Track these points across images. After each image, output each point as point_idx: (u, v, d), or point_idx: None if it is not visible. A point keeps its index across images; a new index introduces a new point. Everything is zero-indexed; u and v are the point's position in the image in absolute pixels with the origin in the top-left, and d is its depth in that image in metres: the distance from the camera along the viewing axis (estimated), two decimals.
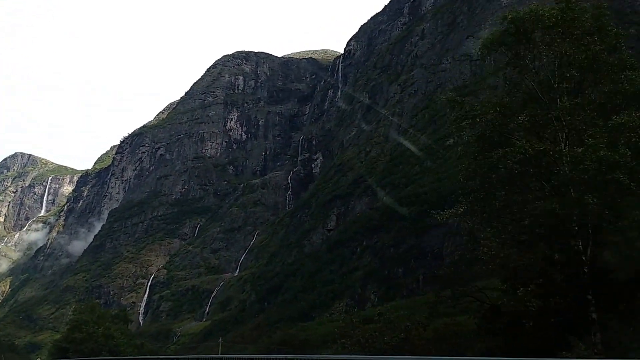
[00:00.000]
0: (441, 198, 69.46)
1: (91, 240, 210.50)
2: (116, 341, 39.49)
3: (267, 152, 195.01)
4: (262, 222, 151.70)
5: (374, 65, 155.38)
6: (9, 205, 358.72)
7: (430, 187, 76.46)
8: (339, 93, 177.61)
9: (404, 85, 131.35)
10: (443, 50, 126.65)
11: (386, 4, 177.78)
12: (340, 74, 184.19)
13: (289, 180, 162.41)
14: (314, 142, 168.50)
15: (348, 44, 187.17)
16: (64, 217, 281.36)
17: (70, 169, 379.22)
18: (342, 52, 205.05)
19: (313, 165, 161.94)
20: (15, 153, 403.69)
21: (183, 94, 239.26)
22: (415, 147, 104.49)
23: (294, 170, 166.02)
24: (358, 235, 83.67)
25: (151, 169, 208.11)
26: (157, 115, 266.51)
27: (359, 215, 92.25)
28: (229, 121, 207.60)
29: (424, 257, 63.54)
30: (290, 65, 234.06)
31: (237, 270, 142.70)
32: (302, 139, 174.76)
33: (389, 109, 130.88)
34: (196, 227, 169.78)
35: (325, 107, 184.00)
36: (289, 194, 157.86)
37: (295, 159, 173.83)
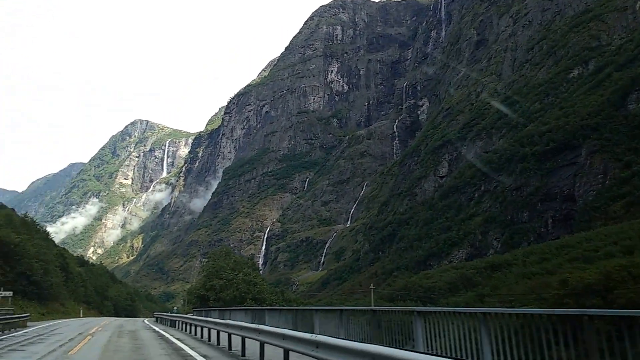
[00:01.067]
0: (568, 135, 64.50)
1: (209, 197, 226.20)
2: (259, 287, 41.19)
3: (370, 102, 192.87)
4: (370, 173, 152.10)
5: None
6: (134, 169, 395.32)
7: (555, 124, 70.97)
8: (443, 33, 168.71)
9: (517, 16, 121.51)
10: None
11: None
12: (443, 13, 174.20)
13: (395, 129, 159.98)
14: (418, 88, 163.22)
15: None
16: (183, 177, 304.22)
17: (185, 132, 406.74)
18: None
19: (419, 112, 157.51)
20: (135, 120, 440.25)
21: (283, 49, 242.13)
22: (533, 82, 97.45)
23: (400, 118, 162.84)
24: (475, 180, 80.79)
25: (258, 126, 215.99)
26: (260, 73, 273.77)
27: (474, 159, 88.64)
28: (329, 73, 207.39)
29: (552, 200, 59.87)
30: (389, 9, 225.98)
31: (349, 221, 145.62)
32: (406, 85, 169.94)
33: (500, 44, 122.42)
34: (305, 181, 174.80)
35: (429, 49, 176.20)
36: (396, 143, 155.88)
37: (399, 107, 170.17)
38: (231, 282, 40.14)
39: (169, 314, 39.76)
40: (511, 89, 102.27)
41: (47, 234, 72.45)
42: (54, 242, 76.28)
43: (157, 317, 41.70)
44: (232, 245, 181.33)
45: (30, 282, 41.02)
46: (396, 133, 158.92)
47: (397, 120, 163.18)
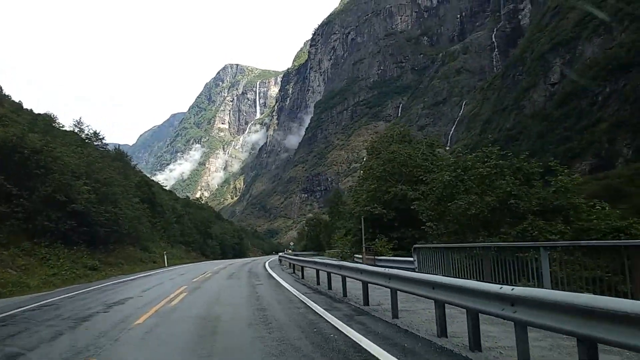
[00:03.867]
0: None
1: (303, 133, 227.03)
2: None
3: (463, 14, 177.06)
4: (468, 91, 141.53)
5: None
6: (229, 113, 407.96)
7: None
8: None
9: None
10: None
11: None
12: None
13: (494, 39, 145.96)
14: None
15: None
16: (276, 116, 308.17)
17: (273, 71, 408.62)
18: None
19: (520, 17, 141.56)
20: (225, 65, 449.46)
21: None
22: None
23: (498, 27, 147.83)
24: (597, 82, 70.37)
25: (345, 55, 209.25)
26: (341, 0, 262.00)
27: (593, 59, 77.22)
28: None
29: None
30: None
31: (448, 144, 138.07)
32: None
33: None
34: (399, 107, 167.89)
35: None
36: (496, 54, 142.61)
37: (497, 14, 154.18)
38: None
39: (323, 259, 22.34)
40: None
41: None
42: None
43: (291, 263, 23.31)
44: (329, 179, 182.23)
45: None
46: (495, 43, 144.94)
47: (495, 30, 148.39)
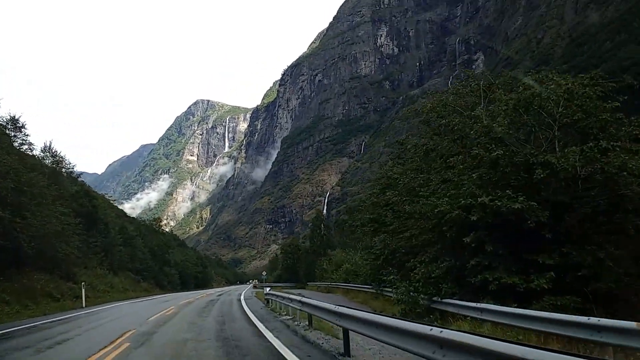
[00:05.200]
0: None
1: (270, 167, 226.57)
2: None
3: (422, 62, 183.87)
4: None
5: None
6: (199, 146, 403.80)
7: (632, 61, 62.56)
8: None
9: None
10: None
11: None
12: None
13: (449, 86, 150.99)
14: (472, 42, 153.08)
15: None
16: (244, 150, 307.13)
17: (243, 108, 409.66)
18: None
19: (474, 66, 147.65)
20: (197, 100, 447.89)
21: (331, 19, 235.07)
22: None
23: (454, 74, 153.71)
24: None
25: (312, 95, 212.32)
26: (310, 45, 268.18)
27: None
28: (378, 38, 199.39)
29: None
30: None
31: None
32: (459, 41, 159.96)
33: None
34: (362, 145, 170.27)
35: (480, 3, 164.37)
36: None
37: (453, 64, 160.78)
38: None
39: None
40: (576, 30, 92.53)
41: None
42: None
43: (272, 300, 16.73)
44: (294, 211, 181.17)
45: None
46: (451, 89, 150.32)
47: (451, 77, 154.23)
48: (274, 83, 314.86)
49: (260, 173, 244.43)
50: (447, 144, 16.34)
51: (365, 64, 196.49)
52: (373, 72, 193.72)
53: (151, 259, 51.51)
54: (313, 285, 47.04)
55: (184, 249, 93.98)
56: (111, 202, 63.43)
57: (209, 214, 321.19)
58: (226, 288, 63.32)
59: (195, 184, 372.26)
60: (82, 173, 47.79)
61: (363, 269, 27.36)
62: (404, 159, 23.28)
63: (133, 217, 74.41)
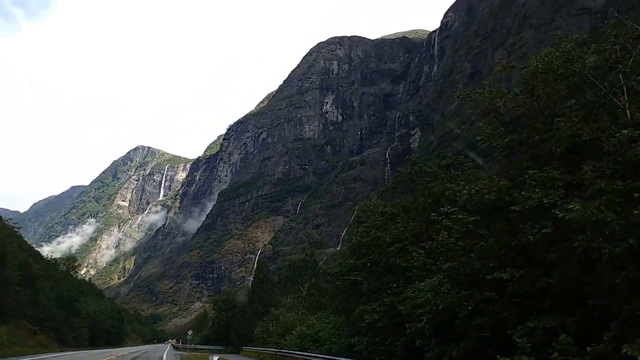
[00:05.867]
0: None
1: (204, 219, 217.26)
2: None
3: (363, 132, 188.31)
4: (361, 197, 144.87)
5: (475, 33, 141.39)
6: (132, 192, 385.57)
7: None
8: (435, 67, 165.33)
9: (512, 49, 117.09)
10: (556, 7, 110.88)
11: None
12: (436, 48, 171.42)
13: (387, 156, 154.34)
14: (410, 118, 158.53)
15: (445, 15, 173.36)
16: (179, 200, 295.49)
17: (184, 157, 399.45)
18: (432, 30, 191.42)
19: (411, 140, 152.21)
20: (137, 146, 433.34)
21: (281, 82, 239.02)
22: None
23: (392, 146, 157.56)
24: None
25: (255, 152, 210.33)
26: (258, 104, 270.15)
27: None
28: (324, 104, 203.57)
29: None
30: (383, 47, 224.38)
31: (340, 244, 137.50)
32: (399, 115, 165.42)
33: (494, 75, 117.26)
34: (298, 205, 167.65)
35: (421, 82, 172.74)
36: (388, 169, 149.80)
37: (391, 136, 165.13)
38: None
39: None
40: (507, 115, 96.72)
41: None
42: None
43: None
44: (223, 267, 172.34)
45: None
46: (388, 160, 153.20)
47: (389, 148, 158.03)
48: (218, 137, 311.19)
49: (193, 225, 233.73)
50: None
51: (309, 128, 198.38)
52: (316, 135, 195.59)
53: (57, 307, 43.48)
54: (251, 351, 37.56)
55: (100, 299, 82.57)
56: (14, 229, 52.34)
57: (132, 264, 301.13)
58: (142, 347, 55.09)
59: (123, 231, 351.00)
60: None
61: (326, 333, 23.19)
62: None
63: (42, 255, 61.20)
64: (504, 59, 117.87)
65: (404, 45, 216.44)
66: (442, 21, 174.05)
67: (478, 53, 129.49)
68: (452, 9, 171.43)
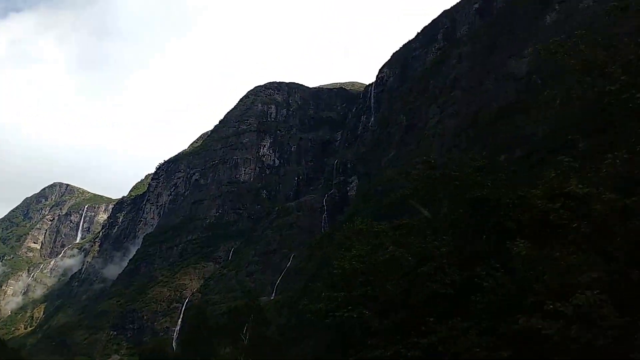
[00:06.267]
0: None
1: (126, 264, 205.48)
2: None
3: (300, 177, 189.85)
4: (297, 245, 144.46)
5: (409, 89, 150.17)
6: (45, 233, 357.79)
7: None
8: (372, 118, 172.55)
9: (444, 106, 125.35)
10: (484, 71, 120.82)
11: (418, 31, 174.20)
12: (372, 100, 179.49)
13: (324, 203, 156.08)
14: (348, 166, 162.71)
15: (380, 71, 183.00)
16: (98, 243, 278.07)
17: (106, 197, 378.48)
18: (369, 83, 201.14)
19: (348, 188, 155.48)
20: (54, 183, 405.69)
21: (217, 122, 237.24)
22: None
23: (329, 193, 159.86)
24: None
25: (186, 194, 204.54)
26: (192, 144, 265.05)
27: None
28: (262, 148, 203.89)
29: None
30: (321, 95, 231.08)
31: (273, 293, 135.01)
32: (337, 162, 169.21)
33: (429, 130, 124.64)
34: (230, 251, 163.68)
35: (359, 132, 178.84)
36: (325, 217, 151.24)
37: (329, 183, 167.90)
38: None
39: None
40: (442, 168, 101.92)
41: None
42: None
43: None
44: (145, 317, 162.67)
45: None
46: (325, 207, 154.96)
47: (326, 195, 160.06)
48: (146, 176, 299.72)
49: (113, 270, 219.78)
50: None
51: (245, 171, 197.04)
52: (252, 179, 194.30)
53: None
54: None
55: (3, 348, 73.78)
56: None
57: (42, 312, 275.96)
58: None
59: (33, 276, 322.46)
60: None
61: None
62: None
63: None
64: (437, 115, 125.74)
65: (341, 96, 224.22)
66: (377, 76, 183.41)
67: (412, 108, 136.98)
68: (387, 65, 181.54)
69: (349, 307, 15.83)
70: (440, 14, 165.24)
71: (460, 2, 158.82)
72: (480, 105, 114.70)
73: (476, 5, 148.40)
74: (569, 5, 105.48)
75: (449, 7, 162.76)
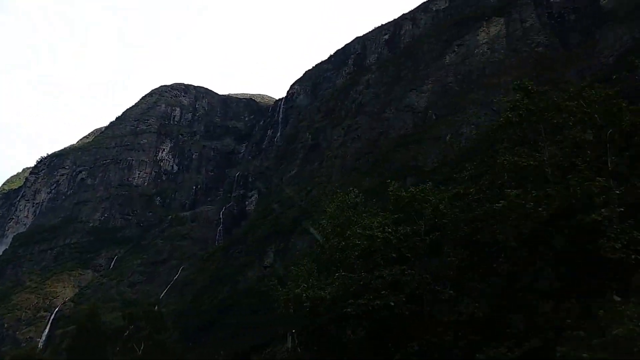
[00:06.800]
0: None
1: None
2: None
3: (199, 187, 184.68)
4: (189, 257, 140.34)
5: (317, 109, 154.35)
6: None
7: None
8: (279, 133, 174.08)
9: (348, 129, 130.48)
10: (387, 100, 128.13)
11: (331, 54, 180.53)
12: (281, 115, 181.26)
13: (221, 215, 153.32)
14: (250, 179, 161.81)
15: (291, 87, 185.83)
16: None
17: None
18: (279, 98, 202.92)
19: (247, 202, 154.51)
20: None
21: (114, 119, 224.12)
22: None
23: (227, 206, 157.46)
24: None
25: (69, 193, 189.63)
26: (81, 139, 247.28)
27: (303, 250, 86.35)
28: (160, 151, 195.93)
29: None
30: (230, 103, 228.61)
31: (156, 306, 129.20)
32: (238, 175, 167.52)
33: (332, 151, 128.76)
34: (114, 258, 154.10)
35: (264, 145, 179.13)
36: (220, 229, 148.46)
37: (228, 195, 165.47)
38: None
39: None
40: (342, 189, 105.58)
41: None
42: None
43: None
44: (6, 325, 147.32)
45: None
46: (222, 219, 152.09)
47: (224, 208, 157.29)
48: (23, 169, 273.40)
49: None
50: None
51: (139, 174, 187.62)
52: (146, 184, 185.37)
53: None
54: None
55: None
56: None
57: None
58: None
59: None
60: None
61: None
62: None
63: None
64: (340, 137, 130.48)
65: (250, 107, 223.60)
66: (288, 91, 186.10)
67: (319, 128, 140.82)
68: (298, 82, 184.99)
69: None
70: (353, 40, 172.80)
71: (372, 30, 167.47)
72: (381, 132, 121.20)
73: (386, 37, 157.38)
74: (466, 49, 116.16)
75: (361, 34, 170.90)
